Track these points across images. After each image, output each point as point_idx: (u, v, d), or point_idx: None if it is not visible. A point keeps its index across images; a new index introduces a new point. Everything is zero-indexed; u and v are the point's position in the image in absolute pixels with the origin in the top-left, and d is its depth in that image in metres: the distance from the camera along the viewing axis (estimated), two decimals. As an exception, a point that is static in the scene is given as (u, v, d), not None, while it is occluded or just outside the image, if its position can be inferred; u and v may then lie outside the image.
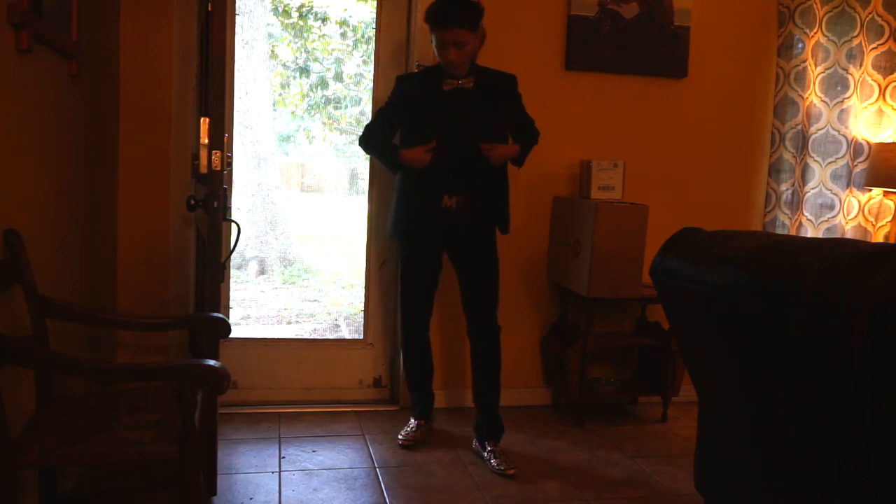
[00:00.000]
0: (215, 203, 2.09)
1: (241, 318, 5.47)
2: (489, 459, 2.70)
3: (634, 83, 3.35)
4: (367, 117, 4.24)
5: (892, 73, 3.48)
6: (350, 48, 8.46)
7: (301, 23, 8.04)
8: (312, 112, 9.07)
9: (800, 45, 3.42)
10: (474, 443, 2.83)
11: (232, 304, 4.78)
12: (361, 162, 9.82)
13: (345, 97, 8.96)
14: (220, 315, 2.12)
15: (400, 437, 2.87)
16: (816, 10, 3.38)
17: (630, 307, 3.43)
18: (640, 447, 2.97)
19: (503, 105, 2.74)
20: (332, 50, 8.49)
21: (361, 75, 8.67)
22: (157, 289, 2.68)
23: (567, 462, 2.78)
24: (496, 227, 2.78)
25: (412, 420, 2.93)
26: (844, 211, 3.51)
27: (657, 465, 2.79)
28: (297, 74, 8.52)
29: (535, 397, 3.41)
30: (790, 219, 3.48)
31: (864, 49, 3.43)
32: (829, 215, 3.51)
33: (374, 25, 3.31)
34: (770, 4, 3.45)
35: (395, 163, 2.76)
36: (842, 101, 3.46)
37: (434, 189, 2.68)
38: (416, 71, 2.95)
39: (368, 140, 2.85)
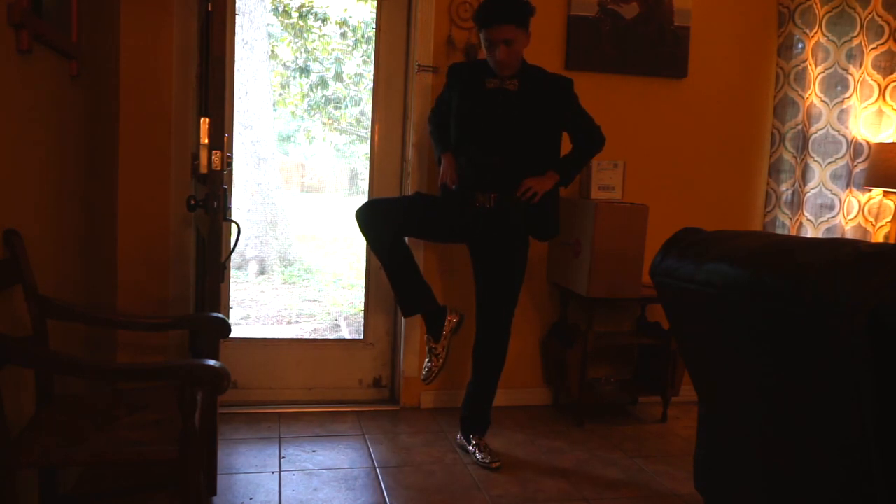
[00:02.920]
0: (215, 203, 2.09)
1: (241, 318, 5.47)
2: (474, 452, 2.73)
3: (634, 83, 3.35)
4: (368, 117, 4.24)
5: (892, 73, 3.48)
6: (350, 48, 8.46)
7: (301, 23, 8.04)
8: (312, 112, 9.07)
9: (800, 45, 3.42)
10: (458, 436, 2.84)
11: (232, 304, 4.78)
12: (361, 162, 9.83)
13: (345, 97, 8.96)
14: (220, 315, 2.11)
15: (424, 371, 2.76)
16: (816, 10, 3.38)
17: (630, 307, 3.43)
18: (640, 447, 2.97)
19: (551, 109, 2.64)
20: (332, 50, 8.49)
21: (361, 75, 8.67)
22: (157, 289, 2.68)
23: (567, 462, 2.78)
24: (534, 232, 2.72)
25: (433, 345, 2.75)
26: (844, 211, 3.50)
27: (657, 465, 2.79)
28: (297, 74, 8.52)
29: (535, 397, 3.41)
30: (790, 219, 3.48)
31: (864, 49, 3.43)
32: (829, 215, 3.51)
33: (374, 25, 3.31)
34: (770, 4, 3.46)
35: (438, 158, 2.77)
36: (842, 101, 3.45)
37: (469, 188, 2.64)
38: (469, 62, 2.87)
39: (432, 122, 2.84)
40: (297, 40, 8.34)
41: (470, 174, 2.64)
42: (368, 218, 2.66)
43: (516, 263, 2.71)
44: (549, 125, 2.66)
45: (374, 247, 2.73)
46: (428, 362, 2.75)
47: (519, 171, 2.61)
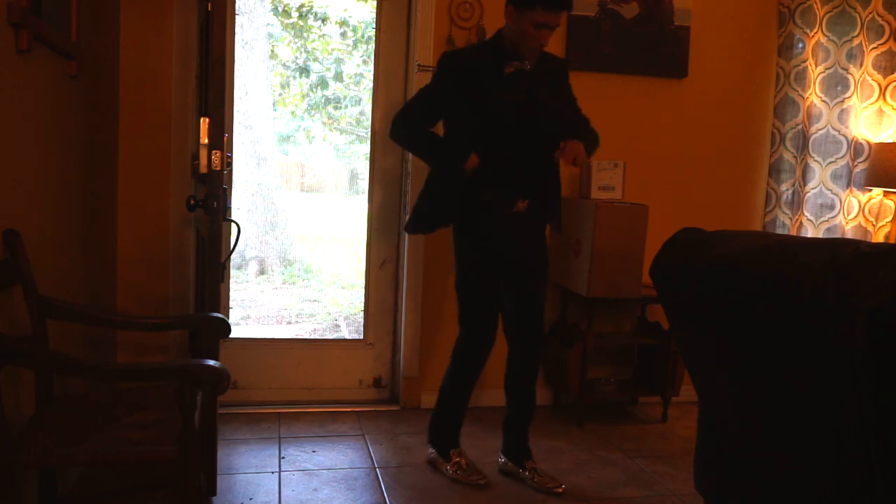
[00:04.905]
0: (215, 203, 2.09)
1: (241, 318, 5.47)
2: (532, 477, 2.55)
3: (634, 83, 3.35)
4: (368, 117, 4.24)
5: (892, 73, 3.48)
6: (350, 48, 8.46)
7: (301, 23, 8.04)
8: (312, 112, 9.07)
9: (800, 45, 3.42)
10: (510, 463, 2.62)
11: (232, 304, 4.78)
12: (361, 162, 9.82)
13: (345, 97, 8.96)
14: (220, 315, 2.12)
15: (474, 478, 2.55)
16: (817, 10, 3.38)
17: (630, 307, 3.42)
18: (640, 447, 2.97)
19: (560, 91, 2.52)
20: (332, 50, 8.49)
21: (361, 75, 8.67)
22: (156, 288, 2.68)
23: (567, 462, 2.77)
24: (549, 227, 2.58)
25: (453, 456, 2.60)
26: (844, 211, 3.50)
27: (657, 465, 2.79)
28: (297, 74, 8.52)
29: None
30: (790, 219, 3.48)
31: (865, 49, 3.42)
32: (830, 215, 3.51)
33: (374, 25, 3.31)
34: (770, 4, 3.45)
35: (451, 161, 2.42)
36: (842, 101, 3.45)
37: (506, 191, 2.43)
38: (465, 47, 2.51)
39: (408, 128, 2.47)
40: (297, 40, 8.33)
41: (511, 177, 2.43)
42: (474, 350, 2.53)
43: (547, 264, 2.58)
44: (564, 107, 2.51)
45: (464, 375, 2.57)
46: (453, 469, 2.58)
47: (552, 165, 2.46)
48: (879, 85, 3.48)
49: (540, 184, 2.49)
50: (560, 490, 2.49)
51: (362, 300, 3.46)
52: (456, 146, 2.43)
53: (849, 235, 3.54)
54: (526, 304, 2.52)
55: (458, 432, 2.65)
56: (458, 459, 2.59)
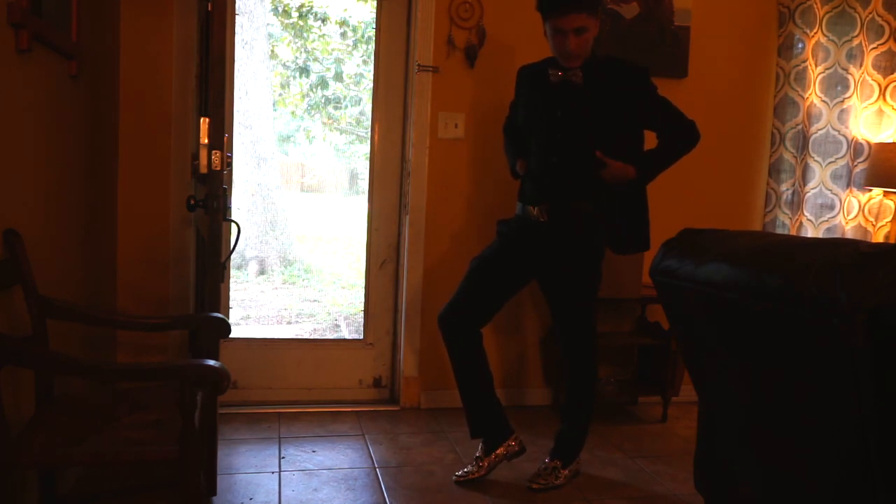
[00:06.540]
0: (215, 203, 2.09)
1: (241, 318, 5.47)
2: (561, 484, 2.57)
3: (634, 83, 3.34)
4: (368, 117, 4.23)
5: (892, 73, 3.48)
6: (350, 48, 8.46)
7: (301, 23, 8.04)
8: (312, 112, 9.07)
9: (800, 45, 3.42)
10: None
11: (232, 304, 4.78)
12: (361, 162, 9.82)
13: (345, 97, 8.97)
14: (220, 315, 2.12)
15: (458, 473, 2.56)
16: (816, 10, 3.38)
17: (630, 307, 3.42)
18: (640, 447, 2.97)
19: (623, 105, 2.38)
20: (332, 50, 8.50)
21: (361, 75, 8.68)
22: (157, 289, 2.68)
23: (567, 462, 2.77)
24: (600, 246, 2.47)
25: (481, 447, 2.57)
26: (844, 211, 3.50)
27: (657, 465, 2.79)
28: (297, 74, 8.53)
29: (535, 397, 3.41)
30: (790, 219, 3.48)
31: (865, 49, 3.42)
32: (829, 215, 3.51)
33: (374, 25, 3.32)
34: (770, 4, 3.45)
35: (513, 170, 2.59)
36: (842, 101, 3.45)
37: (525, 196, 2.49)
38: (538, 61, 2.53)
39: (504, 133, 2.69)
40: (297, 40, 8.34)
41: (527, 183, 2.47)
42: (440, 322, 2.51)
43: (578, 276, 2.48)
44: (619, 123, 2.39)
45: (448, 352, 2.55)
46: (469, 467, 2.55)
47: (582, 178, 2.38)
48: (879, 85, 3.48)
49: (561, 195, 2.41)
50: (535, 486, 2.50)
51: (362, 300, 3.46)
52: (514, 153, 2.60)
53: (849, 235, 3.54)
54: (554, 315, 2.58)
55: (495, 415, 2.61)
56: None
